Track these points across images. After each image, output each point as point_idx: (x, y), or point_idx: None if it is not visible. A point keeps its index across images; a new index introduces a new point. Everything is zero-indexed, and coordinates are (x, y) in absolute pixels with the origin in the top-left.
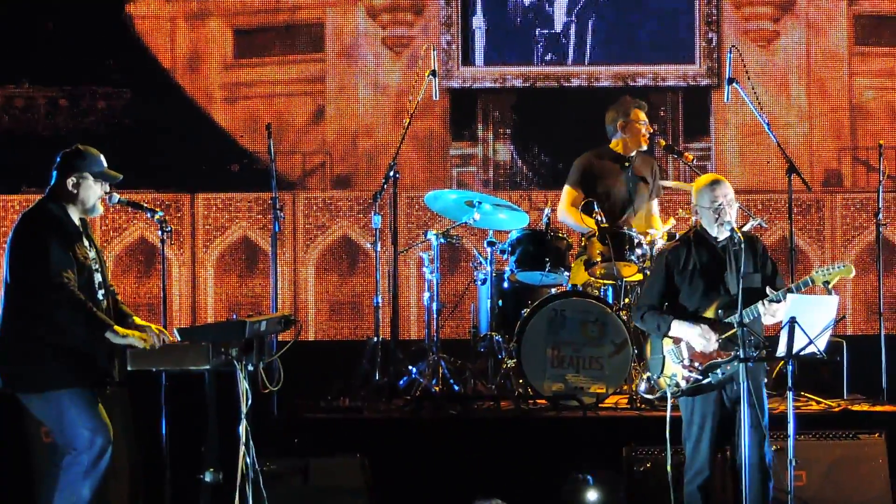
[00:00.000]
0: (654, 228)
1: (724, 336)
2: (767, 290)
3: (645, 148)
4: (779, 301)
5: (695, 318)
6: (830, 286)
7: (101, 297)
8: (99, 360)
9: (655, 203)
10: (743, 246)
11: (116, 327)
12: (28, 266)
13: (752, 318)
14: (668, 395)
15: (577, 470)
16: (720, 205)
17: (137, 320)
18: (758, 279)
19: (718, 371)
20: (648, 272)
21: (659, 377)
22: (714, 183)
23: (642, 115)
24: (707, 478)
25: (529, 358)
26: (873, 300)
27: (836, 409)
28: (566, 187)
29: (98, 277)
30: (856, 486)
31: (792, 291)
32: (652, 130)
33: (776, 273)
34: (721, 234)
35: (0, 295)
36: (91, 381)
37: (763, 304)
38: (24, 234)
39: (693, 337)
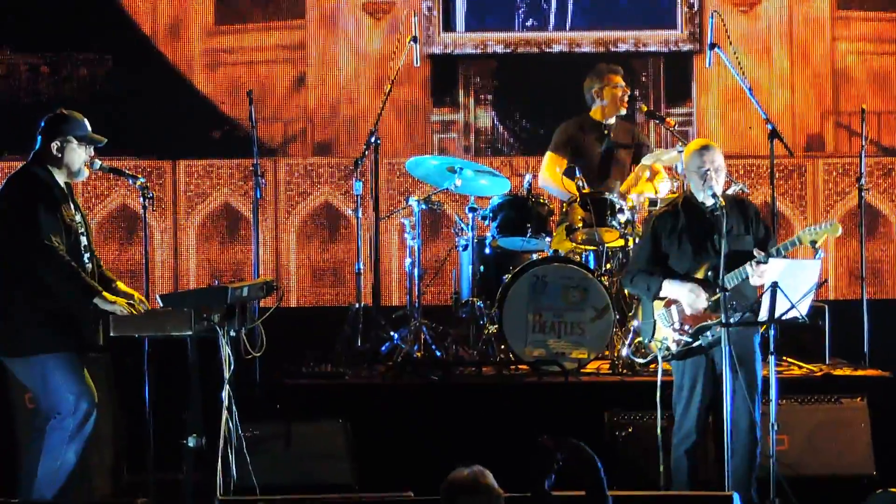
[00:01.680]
0: (640, 193)
1: (713, 298)
2: (755, 251)
3: (624, 112)
4: (766, 262)
5: (685, 278)
6: (818, 245)
7: (86, 261)
8: (83, 324)
9: (644, 165)
10: (725, 211)
11: (105, 293)
12: (15, 230)
13: (738, 280)
14: (659, 358)
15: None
16: (706, 170)
17: (121, 285)
18: (749, 242)
19: (708, 333)
20: (633, 238)
21: (650, 341)
22: (704, 148)
23: (618, 79)
24: (694, 441)
25: (511, 324)
26: (856, 265)
27: (819, 374)
28: (548, 153)
29: (84, 241)
30: (838, 449)
31: (780, 252)
32: (629, 93)
33: (769, 236)
34: (708, 199)
35: None
36: (76, 346)
37: (751, 265)
38: (11, 198)
39: (683, 294)
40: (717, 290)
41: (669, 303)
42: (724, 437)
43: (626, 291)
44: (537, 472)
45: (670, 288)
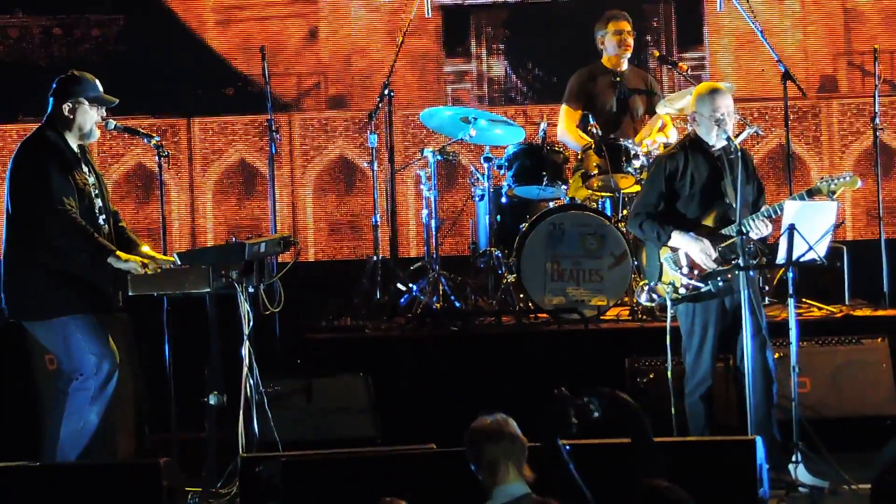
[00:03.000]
0: (654, 139)
1: (723, 245)
2: (764, 208)
3: (627, 57)
4: (772, 216)
5: (694, 226)
6: (835, 196)
7: (101, 223)
8: (102, 285)
9: (660, 113)
10: (741, 154)
11: (118, 252)
12: (29, 194)
13: (748, 228)
14: (668, 301)
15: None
16: (722, 115)
17: (146, 249)
18: (750, 191)
19: (718, 279)
20: (643, 183)
21: (657, 284)
22: (715, 92)
23: (621, 25)
24: (709, 387)
25: (529, 272)
26: (872, 205)
27: (838, 315)
28: (563, 107)
29: (98, 203)
30: (860, 390)
31: (796, 199)
32: (633, 35)
33: (762, 194)
34: (718, 142)
35: (2, 224)
36: (96, 307)
37: (753, 218)
38: (24, 162)
39: (694, 251)
40: (734, 235)
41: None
42: (743, 381)
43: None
44: (550, 424)
45: (681, 240)
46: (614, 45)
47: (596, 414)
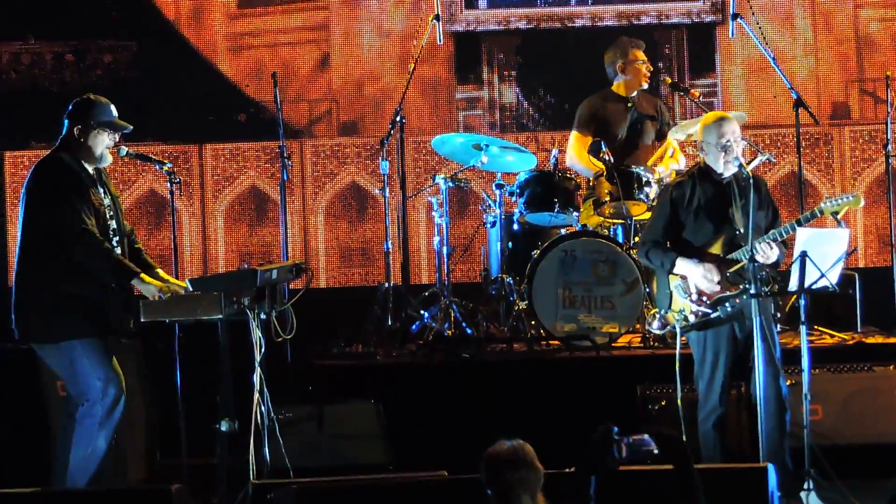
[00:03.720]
0: (666, 166)
1: (731, 270)
2: (770, 232)
3: (646, 86)
4: (779, 238)
5: (700, 253)
6: (839, 216)
7: (115, 244)
8: (113, 310)
9: (670, 141)
10: (752, 180)
11: (143, 275)
12: (47, 216)
13: (755, 252)
14: (678, 329)
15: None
16: (728, 141)
17: (161, 273)
18: (763, 216)
19: (727, 304)
20: (651, 213)
21: (667, 312)
22: (721, 120)
23: (641, 55)
24: (721, 415)
25: (541, 299)
26: (885, 232)
27: (850, 342)
28: (573, 132)
29: (113, 224)
30: (872, 417)
31: (800, 223)
32: (651, 69)
33: (776, 218)
34: (727, 170)
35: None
36: (104, 332)
37: (759, 243)
38: (40, 185)
39: (697, 276)
40: (741, 260)
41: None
42: (755, 409)
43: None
44: (593, 458)
45: (684, 267)
46: (636, 73)
47: (655, 451)
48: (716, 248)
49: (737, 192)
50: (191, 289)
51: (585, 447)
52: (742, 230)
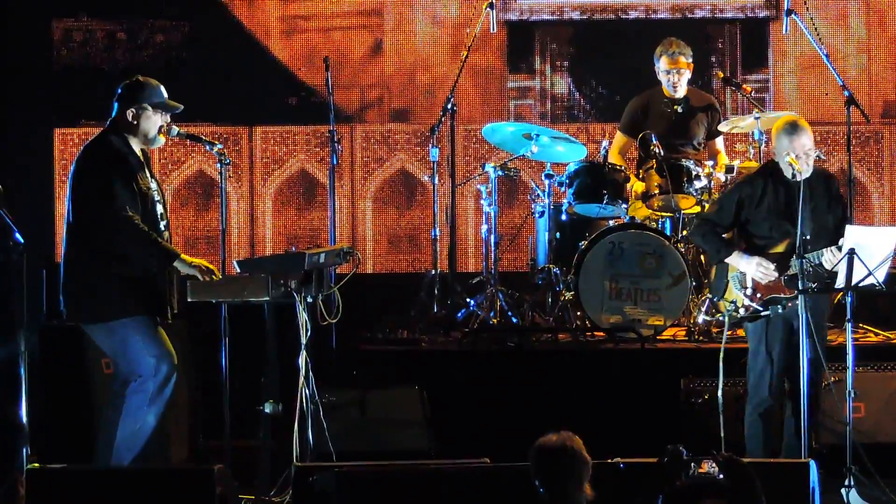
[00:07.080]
0: (718, 163)
1: (790, 273)
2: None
3: (678, 93)
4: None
5: (762, 253)
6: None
7: (162, 228)
8: (161, 290)
9: (720, 139)
10: (809, 191)
11: (184, 255)
12: (92, 201)
13: (816, 261)
14: (726, 318)
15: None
16: (796, 156)
17: (185, 257)
18: (831, 220)
19: (779, 306)
20: (719, 195)
21: (719, 300)
22: (794, 132)
23: (669, 63)
24: (771, 406)
25: (587, 290)
26: None
27: (895, 341)
28: (617, 132)
29: (160, 209)
30: None
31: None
32: (685, 74)
33: (844, 218)
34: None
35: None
36: (154, 309)
37: (830, 250)
38: (87, 168)
39: (751, 269)
40: (814, 262)
41: None
42: (799, 405)
43: (698, 252)
44: (662, 478)
45: (738, 261)
46: (666, 81)
47: (721, 476)
48: (779, 249)
49: (808, 193)
50: (238, 270)
51: (654, 468)
52: (809, 235)
